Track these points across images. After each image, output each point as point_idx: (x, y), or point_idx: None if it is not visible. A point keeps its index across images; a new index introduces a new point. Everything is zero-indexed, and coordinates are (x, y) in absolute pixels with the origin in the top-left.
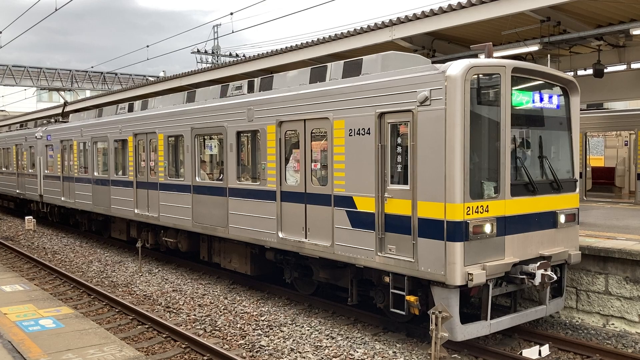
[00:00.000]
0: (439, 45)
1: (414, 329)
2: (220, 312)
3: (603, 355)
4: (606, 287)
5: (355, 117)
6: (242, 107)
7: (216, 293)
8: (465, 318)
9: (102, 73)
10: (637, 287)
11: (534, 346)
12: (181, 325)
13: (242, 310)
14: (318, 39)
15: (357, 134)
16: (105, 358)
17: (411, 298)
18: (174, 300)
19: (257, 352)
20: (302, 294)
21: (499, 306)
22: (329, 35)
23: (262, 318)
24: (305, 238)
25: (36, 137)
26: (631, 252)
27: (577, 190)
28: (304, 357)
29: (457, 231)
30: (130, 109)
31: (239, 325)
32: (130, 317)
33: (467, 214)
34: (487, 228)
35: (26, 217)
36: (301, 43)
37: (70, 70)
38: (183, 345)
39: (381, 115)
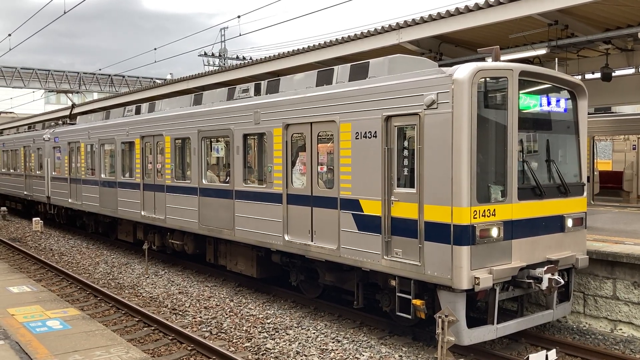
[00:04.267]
0: (446, 48)
1: (420, 332)
2: (226, 314)
3: None
4: (614, 292)
5: (362, 120)
6: (249, 110)
7: (222, 295)
8: (472, 322)
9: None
10: None
11: (541, 351)
12: (187, 328)
13: (248, 312)
14: (325, 42)
15: (363, 137)
16: None
17: (417, 302)
18: (180, 303)
19: (262, 354)
20: (308, 297)
21: (505, 310)
22: (336, 39)
23: (268, 321)
24: (312, 241)
25: (44, 139)
26: (639, 257)
27: (585, 194)
28: None
29: (464, 235)
30: (138, 112)
31: (244, 328)
32: (137, 319)
33: (474, 218)
34: (494, 232)
35: (33, 219)
36: (308, 46)
37: (78, 73)
38: (189, 348)
39: (388, 118)
